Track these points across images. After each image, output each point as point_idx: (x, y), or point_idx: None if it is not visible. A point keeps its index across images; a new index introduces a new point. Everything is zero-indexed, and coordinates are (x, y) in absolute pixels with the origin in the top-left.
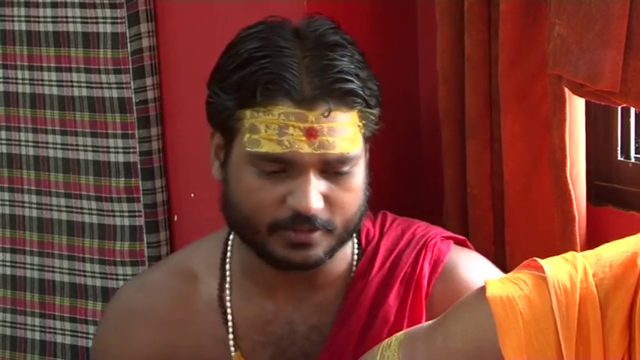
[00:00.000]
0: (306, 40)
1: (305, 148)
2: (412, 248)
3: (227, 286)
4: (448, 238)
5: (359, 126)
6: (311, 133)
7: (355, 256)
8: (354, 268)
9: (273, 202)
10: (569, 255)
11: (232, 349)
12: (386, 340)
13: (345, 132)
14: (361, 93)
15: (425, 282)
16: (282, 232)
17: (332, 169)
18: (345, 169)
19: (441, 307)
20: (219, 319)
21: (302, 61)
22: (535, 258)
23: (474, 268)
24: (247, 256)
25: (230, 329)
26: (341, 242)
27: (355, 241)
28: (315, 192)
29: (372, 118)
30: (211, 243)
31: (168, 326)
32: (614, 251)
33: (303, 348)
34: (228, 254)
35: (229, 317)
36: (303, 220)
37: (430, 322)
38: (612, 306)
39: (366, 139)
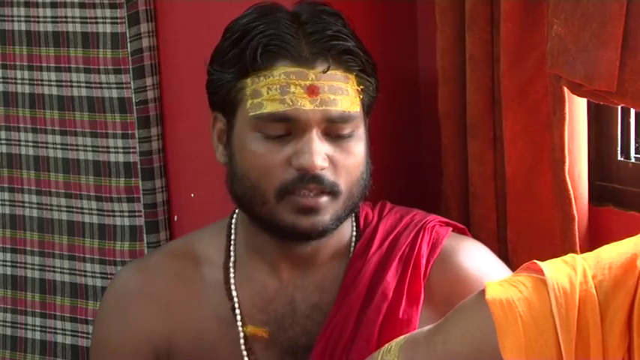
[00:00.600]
0: (302, 14)
1: (307, 105)
2: (410, 230)
3: (231, 265)
4: (447, 225)
5: (357, 90)
6: (312, 90)
7: (354, 238)
8: (352, 249)
9: (279, 164)
10: (568, 257)
11: (239, 323)
12: (386, 344)
13: (346, 92)
14: (359, 52)
15: (423, 261)
16: (290, 197)
17: (335, 130)
18: (347, 131)
19: (439, 291)
20: (221, 299)
21: (299, 27)
22: (535, 260)
23: (473, 255)
24: (252, 235)
25: (236, 304)
26: (345, 210)
27: (354, 223)
28: (319, 150)
29: (370, 87)
30: (214, 229)
31: (169, 307)
32: (614, 253)
33: (304, 327)
34: (232, 236)
35: (234, 293)
36: (310, 180)
37: (430, 326)
38: (612, 308)
39: (366, 110)
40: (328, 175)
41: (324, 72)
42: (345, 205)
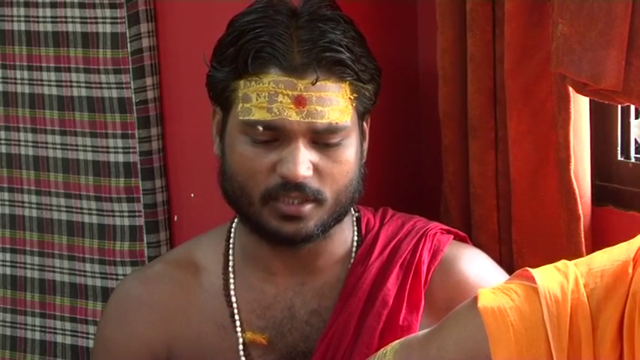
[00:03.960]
0: (301, 16)
1: (293, 116)
2: (412, 237)
3: (230, 270)
4: (449, 232)
5: (350, 99)
6: (299, 101)
7: (355, 243)
8: (353, 254)
9: (265, 170)
10: (560, 264)
11: (239, 329)
12: (382, 349)
13: (335, 102)
14: (351, 64)
15: (424, 268)
16: (273, 203)
17: (322, 139)
18: (335, 140)
19: (440, 298)
20: (220, 305)
21: (294, 32)
22: (527, 268)
23: (473, 263)
24: (248, 240)
25: (235, 311)
26: (333, 217)
27: (355, 229)
28: (303, 160)
29: (366, 93)
30: (214, 234)
31: (169, 314)
32: (606, 259)
33: (303, 332)
34: (231, 240)
35: (233, 299)
36: (293, 188)
37: (425, 331)
38: (603, 316)
39: (361, 115)
40: (312, 183)
41: (313, 83)
42: (331, 211)
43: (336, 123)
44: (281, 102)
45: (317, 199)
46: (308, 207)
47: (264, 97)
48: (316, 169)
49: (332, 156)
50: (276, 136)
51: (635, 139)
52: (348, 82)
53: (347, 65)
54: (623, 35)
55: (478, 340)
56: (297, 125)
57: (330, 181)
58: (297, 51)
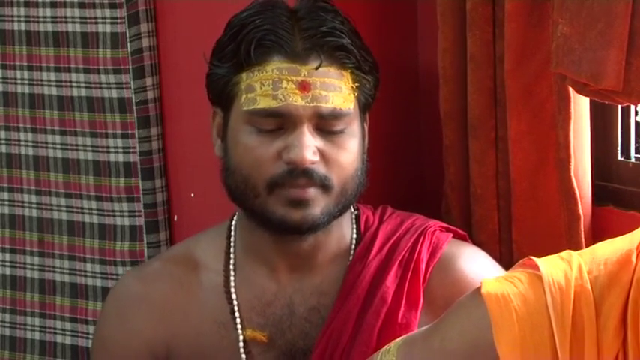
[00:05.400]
0: (299, 10)
1: (299, 101)
2: (411, 235)
3: (231, 267)
4: (448, 230)
5: (352, 87)
6: (304, 86)
7: (354, 241)
8: (352, 252)
9: (270, 158)
10: (564, 253)
11: (239, 326)
12: (385, 345)
13: (339, 88)
14: (353, 50)
15: (423, 266)
16: (279, 191)
17: (326, 126)
18: (339, 127)
19: (439, 296)
20: (220, 302)
21: (295, 22)
22: (531, 257)
23: (472, 261)
24: (249, 235)
25: (236, 307)
26: (338, 207)
27: (354, 226)
28: (309, 144)
29: (367, 84)
30: (214, 232)
31: (168, 312)
32: (609, 249)
33: (302, 329)
34: (232, 238)
35: (234, 297)
36: (299, 174)
37: (428, 325)
38: (606, 303)
39: (362, 107)
40: (319, 169)
41: (317, 68)
42: (337, 200)
43: (340, 108)
44: (285, 88)
45: (324, 185)
46: (313, 190)
47: (269, 84)
48: (322, 155)
49: (337, 143)
50: (281, 123)
51: (636, 139)
52: (349, 71)
53: (349, 51)
54: (623, 35)
55: (482, 329)
56: (302, 110)
57: (337, 168)
58: (299, 38)
